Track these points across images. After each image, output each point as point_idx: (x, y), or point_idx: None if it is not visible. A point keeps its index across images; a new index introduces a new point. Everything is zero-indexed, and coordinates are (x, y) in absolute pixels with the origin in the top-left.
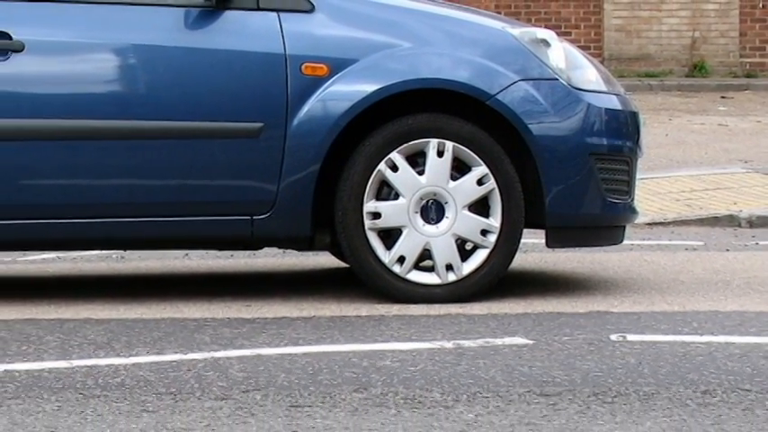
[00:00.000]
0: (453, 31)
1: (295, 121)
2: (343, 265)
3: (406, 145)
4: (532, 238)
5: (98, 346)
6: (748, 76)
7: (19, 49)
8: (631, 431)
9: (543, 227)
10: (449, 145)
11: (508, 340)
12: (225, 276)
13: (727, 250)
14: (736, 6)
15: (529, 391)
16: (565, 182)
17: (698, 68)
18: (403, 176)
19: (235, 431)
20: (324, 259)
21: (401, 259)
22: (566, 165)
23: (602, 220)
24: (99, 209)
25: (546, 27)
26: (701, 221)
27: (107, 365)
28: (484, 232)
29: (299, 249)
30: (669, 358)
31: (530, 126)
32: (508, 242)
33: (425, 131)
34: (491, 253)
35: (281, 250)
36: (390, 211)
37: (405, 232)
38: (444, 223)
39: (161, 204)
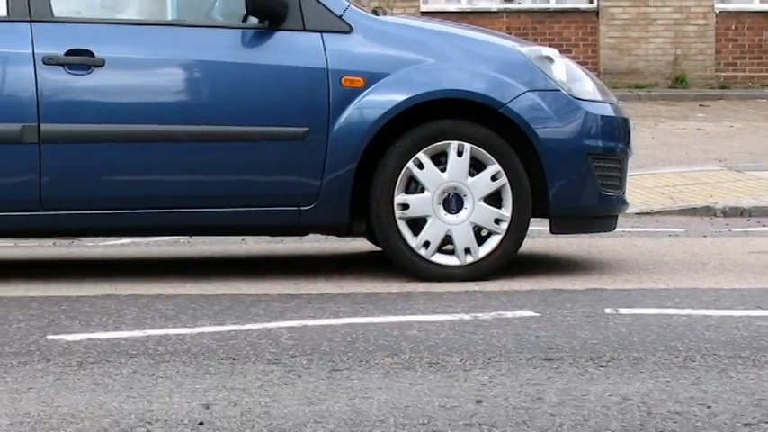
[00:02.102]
0: (471, 49)
1: (336, 126)
2: (376, 248)
3: (430, 146)
4: (538, 226)
5: (168, 318)
6: (722, 87)
7: (100, 64)
8: (623, 390)
9: (547, 216)
10: (467, 146)
11: (518, 313)
12: (276, 258)
13: (705, 236)
14: (713, 28)
15: (535, 357)
16: (566, 178)
17: (679, 81)
18: (428, 173)
19: (284, 391)
20: (360, 244)
21: (426, 244)
22: (567, 163)
23: (597, 211)
24: (168, 201)
25: (550, 46)
26: (682, 212)
27: (175, 334)
28: (497, 221)
29: (339, 235)
30: (655, 328)
31: (536, 130)
32: (518, 229)
33: (447, 135)
34: (503, 238)
35: (323, 236)
36: (417, 203)
37: (429, 221)
38: (463, 213)
39: (221, 197)
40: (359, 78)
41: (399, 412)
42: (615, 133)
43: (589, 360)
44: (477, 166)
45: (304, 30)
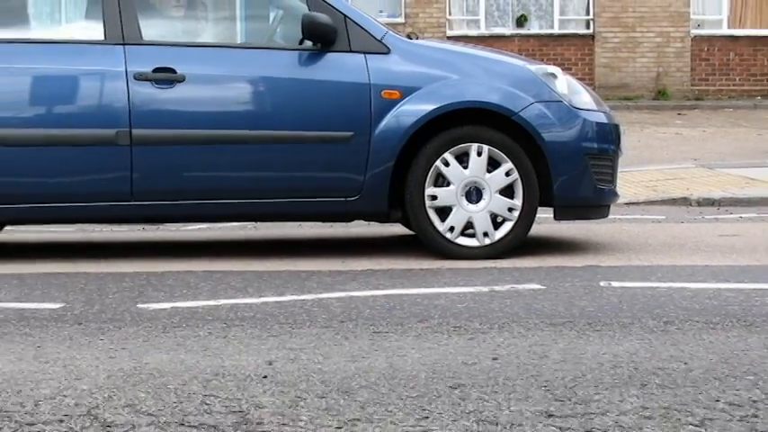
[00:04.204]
0: (488, 68)
1: (376, 131)
2: (410, 232)
3: (455, 147)
4: (544, 214)
5: (237, 290)
6: (697, 99)
7: (181, 80)
8: (614, 350)
9: (552, 205)
10: (485, 148)
11: (527, 286)
12: (327, 241)
13: (682, 222)
14: (689, 50)
15: (542, 322)
16: (567, 174)
17: (661, 94)
18: (453, 170)
19: (334, 350)
20: (396, 229)
21: (451, 228)
22: (568, 162)
23: (593, 201)
24: (237, 193)
25: (554, 64)
26: (663, 202)
27: (244, 303)
28: (510, 209)
29: (379, 222)
30: (641, 298)
31: (542, 134)
32: (527, 216)
33: (469, 138)
34: (515, 224)
35: (366, 222)
36: (444, 195)
37: (454, 209)
38: (482, 203)
39: (281, 190)
40: (396, 91)
41: (429, 368)
42: (608, 137)
43: (586, 325)
44: (493, 164)
45: (350, 51)
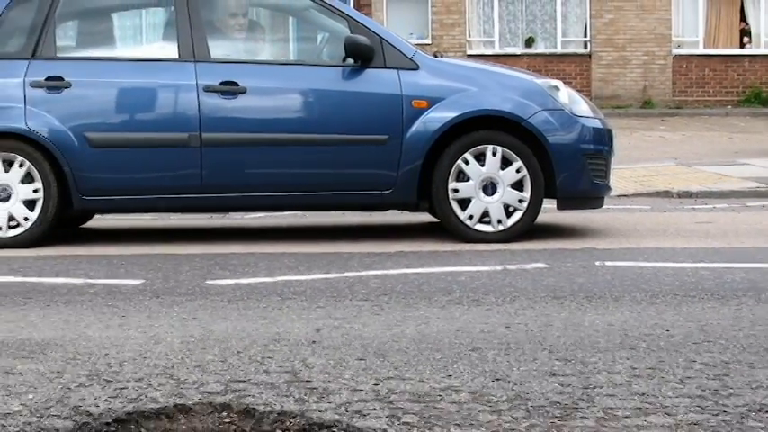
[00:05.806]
0: (502, 82)
1: (408, 135)
2: (435, 220)
3: (473, 149)
4: (549, 205)
5: (290, 268)
6: (677, 107)
7: (243, 91)
8: (608, 318)
9: (555, 197)
10: (499, 149)
11: (534, 265)
12: (365, 227)
13: (665, 212)
14: (670, 67)
15: (547, 296)
16: (568, 170)
17: (647, 103)
18: (472, 168)
19: (372, 319)
20: (424, 217)
21: (471, 217)
22: (568, 160)
23: (590, 194)
24: (289, 187)
25: (557, 78)
26: (649, 194)
27: (295, 280)
28: (520, 201)
29: (410, 211)
30: (630, 275)
31: (547, 138)
32: (534, 207)
33: (485, 141)
34: (524, 213)
35: (399, 212)
36: (464, 188)
37: (473, 201)
38: (496, 195)
39: (327, 184)
40: (424, 101)
41: (452, 334)
42: (602, 140)
43: (584, 298)
44: (506, 163)
45: (385, 67)
